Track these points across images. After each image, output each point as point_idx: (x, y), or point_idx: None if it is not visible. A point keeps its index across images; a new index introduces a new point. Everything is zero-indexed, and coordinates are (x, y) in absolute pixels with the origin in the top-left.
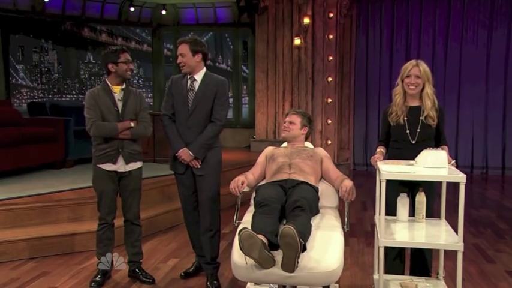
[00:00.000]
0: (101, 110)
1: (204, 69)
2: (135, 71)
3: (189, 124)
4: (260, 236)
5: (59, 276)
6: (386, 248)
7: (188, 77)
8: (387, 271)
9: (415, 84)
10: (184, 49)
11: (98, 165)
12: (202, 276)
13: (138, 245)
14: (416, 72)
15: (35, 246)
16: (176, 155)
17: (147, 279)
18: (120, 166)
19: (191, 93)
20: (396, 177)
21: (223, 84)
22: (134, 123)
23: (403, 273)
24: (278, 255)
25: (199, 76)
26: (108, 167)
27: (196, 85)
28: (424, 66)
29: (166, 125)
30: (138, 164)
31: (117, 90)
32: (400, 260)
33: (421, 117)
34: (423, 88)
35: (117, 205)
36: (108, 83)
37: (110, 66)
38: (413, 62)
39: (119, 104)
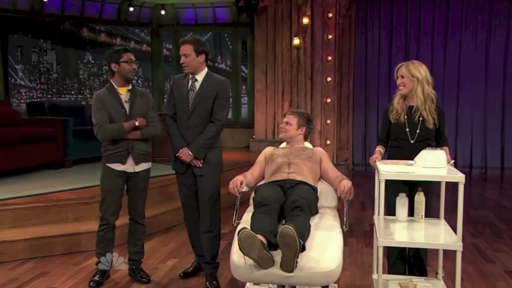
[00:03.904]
0: (109, 113)
1: (206, 70)
2: None
3: (189, 124)
4: (259, 236)
5: (58, 276)
6: (388, 248)
7: (190, 77)
8: (389, 271)
9: (401, 84)
10: (187, 49)
11: (107, 165)
12: (201, 276)
13: (139, 244)
14: (400, 73)
15: (34, 246)
16: (177, 154)
17: (143, 279)
18: (130, 166)
19: (192, 94)
20: (395, 177)
21: (224, 84)
22: (139, 121)
23: (404, 273)
24: (277, 255)
25: (200, 76)
26: (117, 166)
27: (197, 85)
28: (410, 67)
29: (168, 125)
30: (147, 165)
31: (123, 92)
32: (401, 260)
33: (415, 117)
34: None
35: (121, 206)
36: (114, 85)
37: (112, 66)
38: (403, 62)
39: (126, 106)
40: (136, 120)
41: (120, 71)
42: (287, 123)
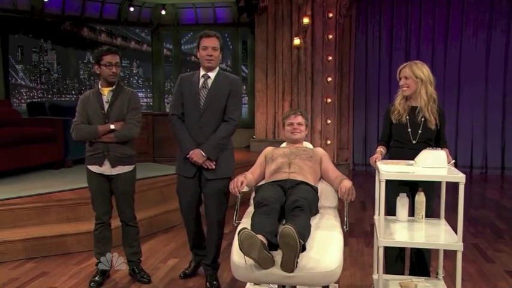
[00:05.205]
0: (88, 114)
1: (218, 68)
2: (134, 71)
3: (201, 124)
4: (260, 236)
5: (58, 276)
6: (386, 248)
7: (201, 74)
8: (387, 271)
9: (405, 85)
10: (217, 43)
11: (88, 166)
12: (202, 276)
13: (135, 245)
14: (403, 74)
15: (34, 246)
16: (187, 156)
17: (143, 279)
18: (107, 169)
19: (204, 92)
20: (396, 177)
21: (237, 82)
22: (117, 126)
23: (403, 273)
24: (277, 255)
25: (213, 74)
26: (95, 169)
27: (210, 83)
28: (414, 68)
29: (175, 125)
30: (127, 168)
31: (105, 92)
32: (400, 260)
33: (418, 118)
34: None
35: (112, 204)
36: (99, 85)
37: (95, 67)
38: (406, 63)
39: (106, 106)
40: (112, 124)
41: (101, 73)
42: (299, 123)
